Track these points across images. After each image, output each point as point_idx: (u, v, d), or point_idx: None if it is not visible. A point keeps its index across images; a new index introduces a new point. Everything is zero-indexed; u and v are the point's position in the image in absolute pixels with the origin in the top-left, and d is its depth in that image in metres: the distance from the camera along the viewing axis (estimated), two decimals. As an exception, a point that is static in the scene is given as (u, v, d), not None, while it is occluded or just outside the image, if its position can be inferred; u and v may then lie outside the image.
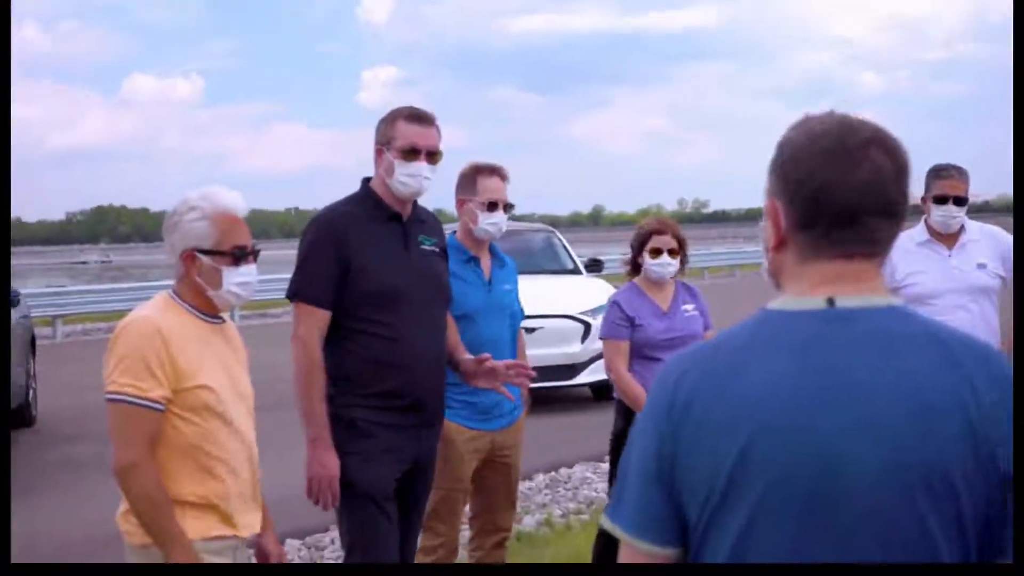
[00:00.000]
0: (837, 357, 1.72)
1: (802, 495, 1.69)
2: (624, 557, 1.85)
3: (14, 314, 10.71)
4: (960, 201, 5.56)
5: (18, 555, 6.43)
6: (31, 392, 11.60)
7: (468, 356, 4.57)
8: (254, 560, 3.73)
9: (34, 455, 10.11)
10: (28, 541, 7.13)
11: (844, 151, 1.75)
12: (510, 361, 4.56)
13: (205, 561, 3.29)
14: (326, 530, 7.20)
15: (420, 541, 4.87)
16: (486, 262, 5.05)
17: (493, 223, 4.98)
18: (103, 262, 62.26)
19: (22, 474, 9.14)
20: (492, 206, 4.97)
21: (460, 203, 5.05)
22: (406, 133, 4.30)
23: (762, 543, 1.72)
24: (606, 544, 5.32)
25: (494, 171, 5.03)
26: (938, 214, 5.58)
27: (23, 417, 11.16)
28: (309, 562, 6.72)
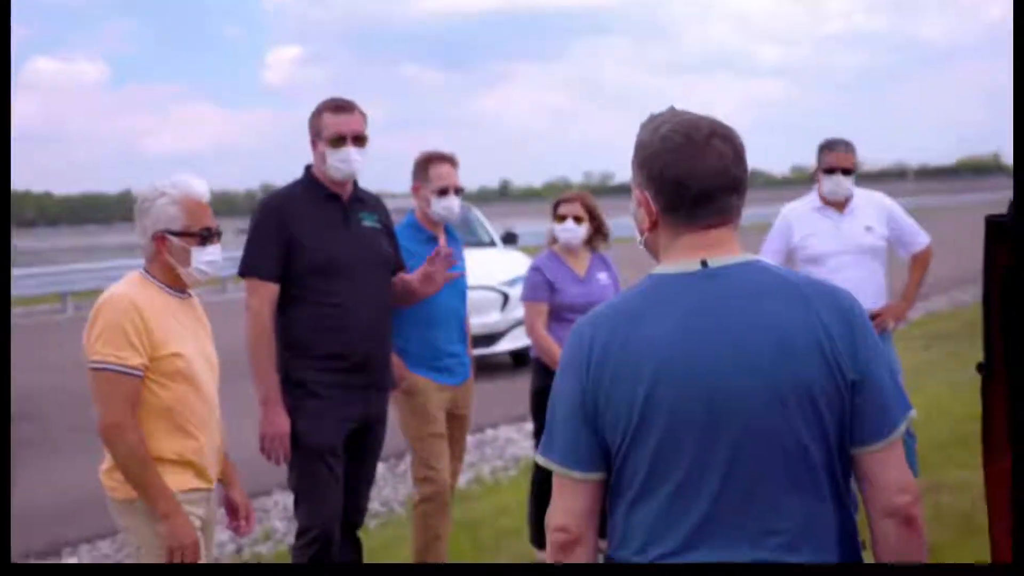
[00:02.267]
0: (714, 306, 2.21)
1: (697, 419, 2.18)
2: (557, 486, 2.34)
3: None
4: (848, 172, 6.11)
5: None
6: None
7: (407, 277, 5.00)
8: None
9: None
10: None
11: (692, 144, 2.23)
12: (429, 257, 4.91)
13: (185, 509, 3.68)
14: (270, 493, 7.62)
15: (416, 491, 5.42)
16: (443, 241, 5.51)
17: (446, 206, 5.44)
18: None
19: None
20: (443, 192, 5.42)
21: (415, 189, 5.51)
22: (330, 123, 4.72)
23: (671, 459, 2.20)
24: (540, 492, 5.79)
25: (444, 159, 5.48)
26: (828, 184, 6.12)
27: (-45, 401, 11.31)
28: (256, 526, 7.08)
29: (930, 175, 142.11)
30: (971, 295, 16.12)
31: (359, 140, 4.77)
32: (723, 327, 2.20)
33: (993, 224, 3.56)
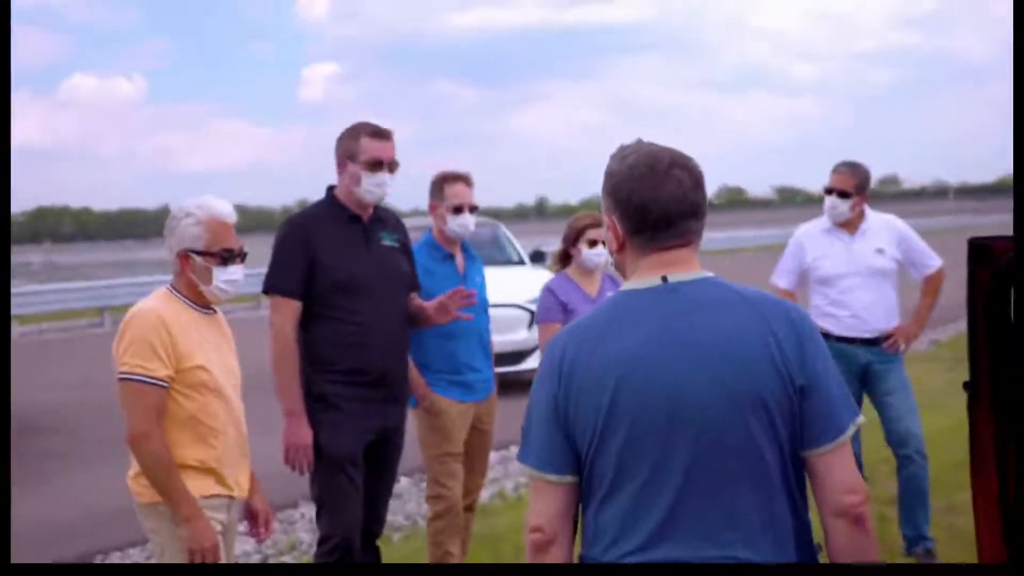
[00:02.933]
0: (673, 319, 2.41)
1: (657, 424, 2.37)
2: (533, 489, 2.55)
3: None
4: (843, 195, 6.21)
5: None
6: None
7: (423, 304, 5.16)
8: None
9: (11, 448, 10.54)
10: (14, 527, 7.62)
11: (654, 174, 2.45)
12: (450, 292, 5.10)
13: (206, 514, 3.86)
14: (296, 505, 7.81)
15: (429, 508, 5.62)
16: (459, 258, 5.70)
17: (460, 224, 5.61)
18: (46, 263, 62.15)
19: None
20: (458, 209, 5.60)
21: (432, 208, 5.69)
22: (369, 148, 4.90)
23: (634, 462, 2.40)
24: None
25: (459, 178, 5.66)
26: (826, 204, 6.27)
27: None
28: (282, 536, 7.29)
29: (971, 193, 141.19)
30: None
31: (392, 167, 4.97)
32: (681, 338, 2.39)
33: (976, 246, 3.70)
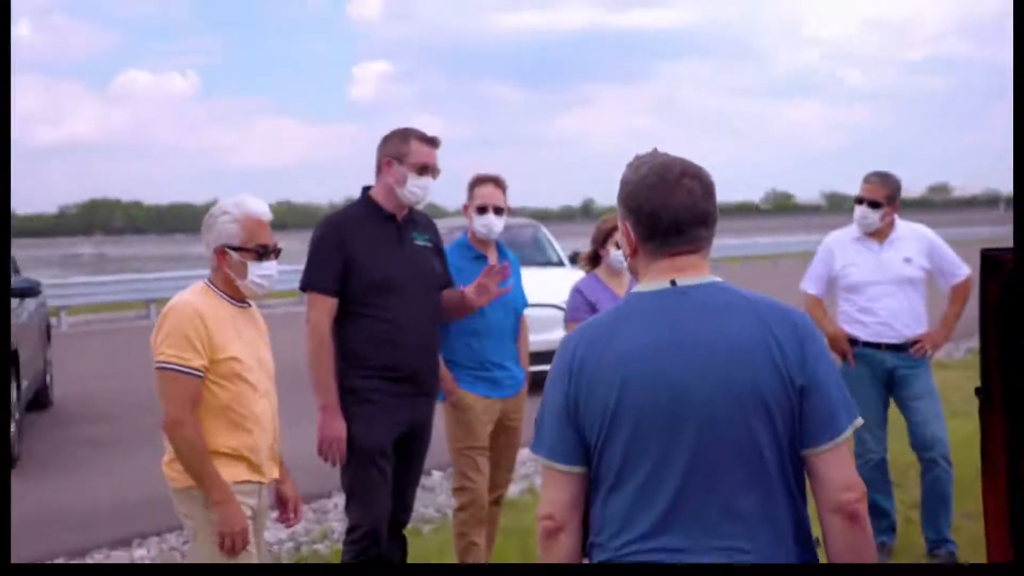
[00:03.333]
0: (679, 320, 2.53)
1: (661, 419, 2.50)
2: (545, 478, 2.70)
3: (32, 303, 11.38)
4: (874, 204, 6.29)
5: (36, 527, 7.17)
6: (48, 377, 12.28)
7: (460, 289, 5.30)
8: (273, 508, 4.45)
9: (52, 435, 10.81)
10: (48, 513, 7.85)
11: (664, 183, 2.56)
12: (485, 270, 5.23)
13: (237, 499, 4.01)
14: (329, 495, 7.98)
15: (454, 500, 5.78)
16: (493, 258, 5.80)
17: (484, 224, 5.75)
18: (97, 255, 62.93)
19: (41, 452, 9.88)
20: (482, 210, 5.74)
21: (465, 208, 5.84)
22: (419, 151, 5.07)
23: (639, 455, 2.53)
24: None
25: (488, 180, 5.81)
26: (856, 214, 6.35)
27: (41, 400, 11.85)
28: (315, 525, 7.45)
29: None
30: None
31: (436, 173, 5.14)
32: (686, 338, 2.52)
33: (988, 258, 3.79)
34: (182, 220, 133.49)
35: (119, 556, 7.08)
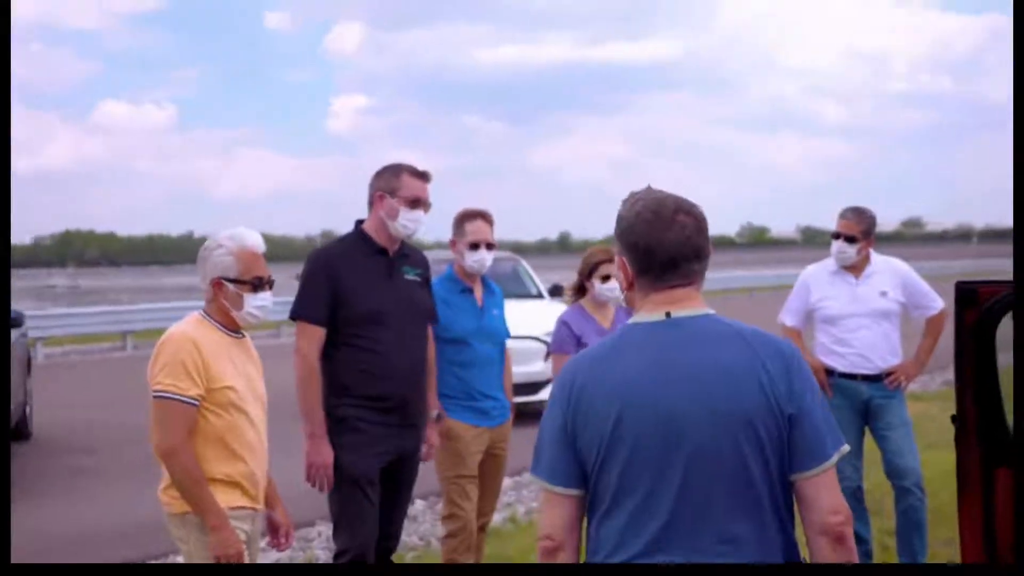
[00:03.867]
0: (673, 350, 2.65)
1: (656, 444, 2.62)
2: (543, 501, 2.82)
3: (14, 334, 11.40)
4: (850, 239, 6.46)
5: (24, 553, 7.20)
6: (28, 408, 12.28)
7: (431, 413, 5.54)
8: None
9: (33, 465, 10.81)
10: (34, 540, 7.87)
11: (660, 219, 2.69)
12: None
13: (232, 524, 4.10)
14: (313, 524, 8.04)
15: (443, 527, 5.89)
16: (479, 292, 5.96)
17: (477, 260, 5.88)
18: (71, 287, 62.62)
19: (23, 482, 9.89)
20: (475, 246, 5.86)
21: (453, 243, 5.96)
22: (411, 186, 5.20)
23: (634, 479, 2.65)
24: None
25: (478, 215, 5.93)
26: (833, 248, 6.51)
27: (20, 431, 11.83)
28: (300, 553, 7.51)
29: (996, 237, 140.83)
30: (1007, 361, 16.19)
31: (427, 207, 5.26)
32: (679, 367, 2.64)
33: (963, 290, 3.94)
34: (157, 252, 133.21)
35: (104, 585, 7.10)
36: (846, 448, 2.72)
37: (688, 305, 2.72)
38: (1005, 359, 4.03)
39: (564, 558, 2.74)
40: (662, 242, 2.70)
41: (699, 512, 2.61)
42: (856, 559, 2.71)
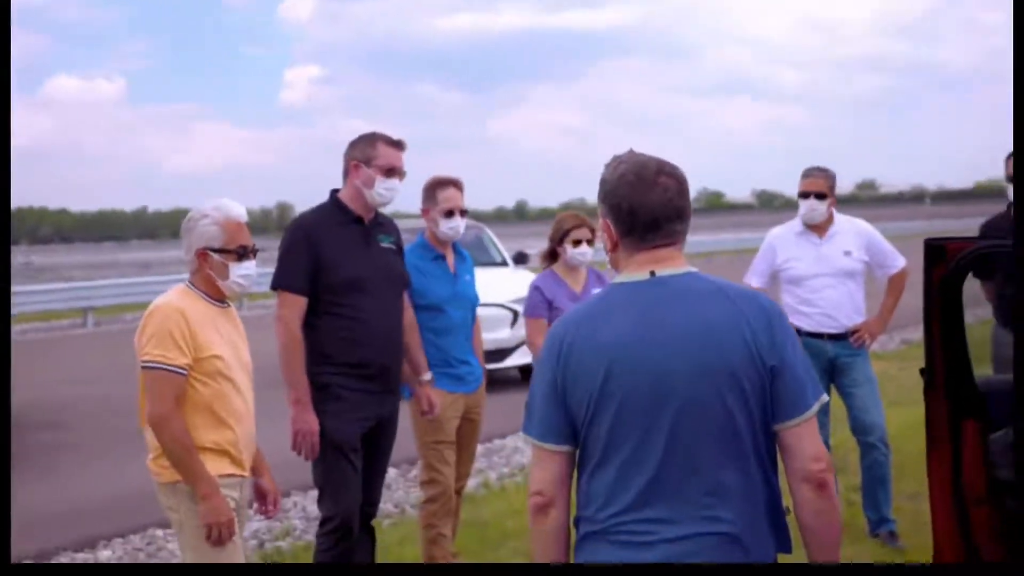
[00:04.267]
0: (659, 308, 2.75)
1: (644, 399, 2.72)
2: (534, 457, 2.91)
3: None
4: (820, 196, 6.59)
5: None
6: (-4, 386, 12.25)
7: (422, 377, 5.68)
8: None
9: (12, 442, 10.80)
10: (18, 517, 7.91)
11: (642, 181, 2.78)
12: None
13: (222, 492, 4.18)
14: (289, 494, 8.12)
15: (423, 492, 5.98)
16: (451, 259, 6.05)
17: (451, 227, 5.97)
18: (25, 263, 61.99)
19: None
20: (449, 213, 5.95)
21: (425, 211, 6.03)
22: (387, 155, 5.26)
23: (623, 433, 2.74)
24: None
25: (450, 183, 6.02)
26: (803, 207, 6.63)
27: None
28: (276, 523, 7.59)
29: (948, 198, 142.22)
30: (972, 317, 16.48)
31: (402, 175, 5.34)
32: (665, 324, 2.73)
33: (931, 247, 4.07)
34: (111, 228, 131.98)
35: (84, 558, 7.18)
36: (825, 398, 2.84)
37: (672, 264, 2.81)
38: (971, 316, 4.18)
39: (555, 513, 2.83)
40: (645, 203, 2.78)
41: (686, 465, 2.70)
42: (837, 505, 2.83)
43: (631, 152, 2.88)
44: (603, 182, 2.87)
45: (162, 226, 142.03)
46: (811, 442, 2.76)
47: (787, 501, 2.85)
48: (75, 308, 24.90)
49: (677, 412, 2.70)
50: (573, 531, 2.90)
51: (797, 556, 2.95)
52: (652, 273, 2.80)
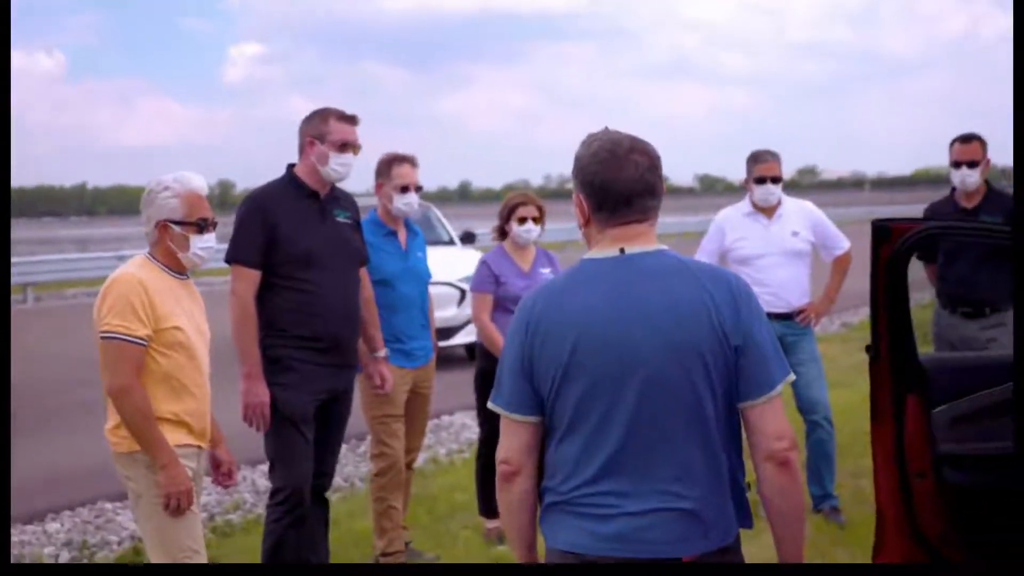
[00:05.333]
0: (627, 285, 2.80)
1: (610, 373, 2.77)
2: (502, 427, 2.96)
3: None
4: (776, 180, 6.72)
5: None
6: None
7: (376, 354, 5.71)
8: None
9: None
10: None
11: (615, 158, 2.83)
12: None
13: (181, 462, 4.21)
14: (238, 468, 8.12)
15: (373, 465, 6.04)
16: (403, 235, 6.10)
17: (406, 203, 6.02)
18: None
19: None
20: (404, 189, 6.01)
21: (378, 187, 6.08)
22: (339, 130, 5.28)
23: (589, 406, 2.80)
24: (485, 470, 6.40)
25: (405, 159, 6.07)
26: (760, 192, 6.72)
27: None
28: (227, 497, 7.62)
29: (887, 185, 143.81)
30: (912, 301, 16.74)
31: (356, 149, 5.36)
32: (632, 300, 2.78)
33: (878, 227, 4.18)
34: (50, 202, 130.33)
35: (33, 530, 7.18)
36: (791, 377, 2.87)
37: (642, 241, 2.85)
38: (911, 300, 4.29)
39: (521, 481, 2.89)
40: (617, 179, 2.82)
41: (649, 438, 2.75)
42: (800, 483, 2.87)
43: (605, 130, 2.92)
44: (577, 158, 2.91)
45: (101, 202, 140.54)
46: (775, 420, 2.80)
47: (749, 477, 2.90)
48: (15, 284, 24.60)
49: (641, 388, 2.75)
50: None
51: (759, 531, 3.04)
52: (622, 250, 2.84)
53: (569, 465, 2.82)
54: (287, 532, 5.22)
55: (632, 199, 2.84)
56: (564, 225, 28.16)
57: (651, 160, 2.87)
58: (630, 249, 2.85)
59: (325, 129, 5.29)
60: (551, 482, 2.88)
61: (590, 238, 2.94)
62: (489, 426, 6.25)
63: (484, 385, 6.11)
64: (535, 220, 6.35)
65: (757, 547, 3.97)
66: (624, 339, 2.76)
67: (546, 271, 6.40)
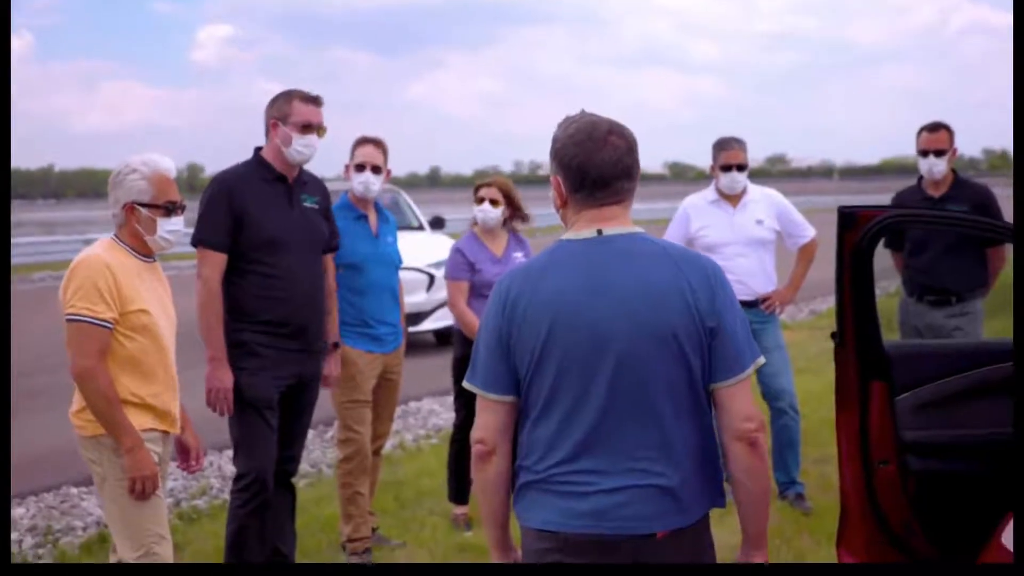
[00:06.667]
0: (603, 266, 2.82)
1: (585, 354, 2.80)
2: (478, 407, 2.98)
3: None
4: (742, 168, 6.74)
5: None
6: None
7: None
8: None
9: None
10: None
11: (592, 140, 2.84)
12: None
13: (146, 445, 4.20)
14: (205, 454, 8.09)
15: (339, 451, 6.03)
16: (373, 219, 6.07)
17: (361, 182, 6.00)
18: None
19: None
20: (360, 167, 5.99)
21: (346, 168, 6.07)
22: (301, 111, 5.25)
23: (564, 386, 2.82)
24: (457, 456, 6.41)
25: (369, 141, 6.07)
26: (725, 180, 6.75)
27: None
28: (193, 481, 7.60)
29: (855, 174, 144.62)
30: (880, 288, 16.85)
31: (321, 131, 5.33)
32: (609, 282, 2.81)
33: (844, 214, 4.20)
34: (16, 185, 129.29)
35: (-3, 514, 7.12)
36: (762, 360, 2.92)
37: (618, 223, 2.88)
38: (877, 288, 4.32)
39: (496, 460, 2.92)
40: (594, 161, 2.84)
41: (623, 418, 2.78)
42: (767, 462, 2.92)
43: (583, 112, 2.94)
44: (554, 140, 2.92)
45: (68, 186, 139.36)
46: (744, 402, 2.85)
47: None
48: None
49: (616, 368, 2.78)
50: None
51: (725, 513, 3.06)
52: (599, 231, 2.86)
53: (545, 444, 2.85)
54: (250, 518, 5.21)
55: (610, 181, 2.86)
56: (538, 211, 28.17)
57: (628, 143, 2.89)
58: (608, 231, 2.87)
59: (288, 110, 5.27)
60: (526, 461, 2.90)
61: (567, 219, 2.96)
62: (466, 411, 6.26)
63: (462, 371, 6.10)
64: (493, 202, 6.35)
65: (727, 531, 4.00)
66: (599, 321, 2.78)
67: (519, 255, 6.40)
